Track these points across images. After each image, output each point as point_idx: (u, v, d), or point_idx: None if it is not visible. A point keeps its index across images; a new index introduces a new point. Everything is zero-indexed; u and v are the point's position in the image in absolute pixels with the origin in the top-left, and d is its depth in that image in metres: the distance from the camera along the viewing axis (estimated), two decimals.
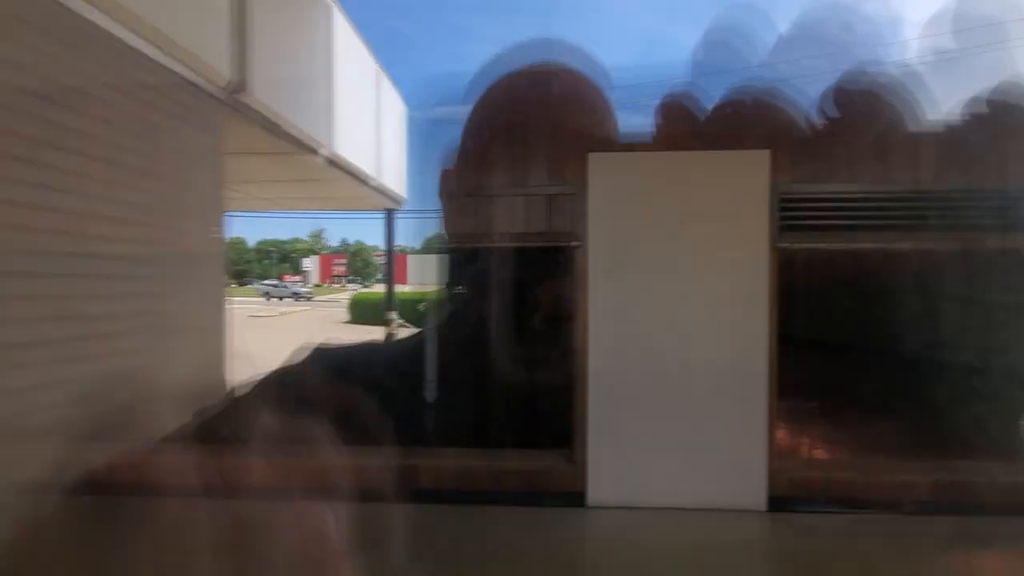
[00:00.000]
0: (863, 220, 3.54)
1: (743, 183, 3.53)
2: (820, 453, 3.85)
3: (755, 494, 3.51)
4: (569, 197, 3.71)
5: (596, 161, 3.75)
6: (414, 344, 2.83)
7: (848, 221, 3.51)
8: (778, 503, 3.45)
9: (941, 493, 3.45)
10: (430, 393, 4.40)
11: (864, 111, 3.43)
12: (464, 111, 3.75)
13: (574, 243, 3.64)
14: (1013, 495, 3.22)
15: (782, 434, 3.47)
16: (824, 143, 3.61)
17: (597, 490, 3.62)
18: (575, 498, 3.72)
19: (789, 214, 3.51)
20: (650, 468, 3.58)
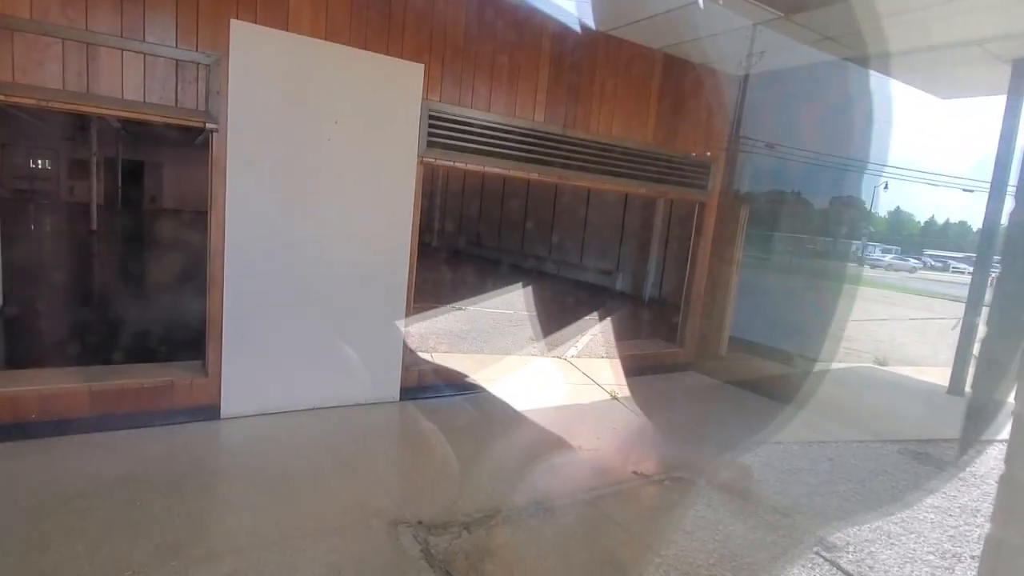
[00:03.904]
0: (494, 147, 4.03)
1: (398, 92, 3.56)
2: (442, 348, 4.43)
3: (391, 387, 3.85)
4: (204, 68, 3.11)
5: (241, 31, 3.22)
6: None
7: (483, 146, 3.95)
8: (409, 392, 3.87)
9: None
10: None
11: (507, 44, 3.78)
12: None
13: (210, 125, 3.11)
14: None
15: (414, 332, 3.84)
16: (471, 68, 3.90)
17: (232, 400, 3.40)
18: (208, 412, 3.42)
19: (436, 130, 3.74)
20: (290, 372, 3.53)
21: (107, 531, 2.39)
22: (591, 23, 4.45)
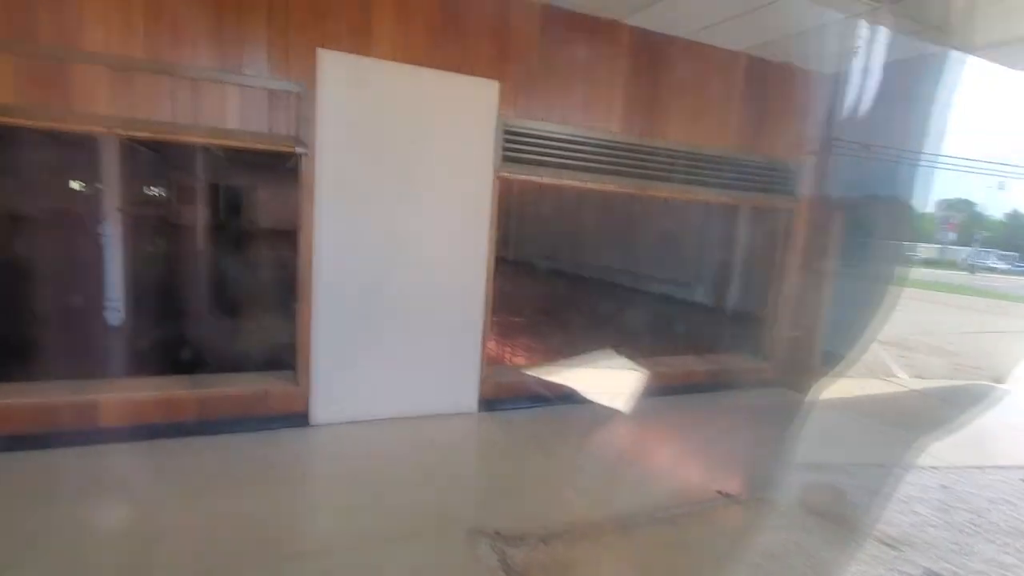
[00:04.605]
0: (570, 159, 4.03)
1: (474, 110, 3.64)
2: (519, 360, 4.44)
3: (469, 399, 3.91)
4: (294, 96, 3.35)
5: (327, 60, 3.43)
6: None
7: (559, 159, 3.96)
8: (487, 404, 3.91)
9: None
10: (114, 316, 3.75)
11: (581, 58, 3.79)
12: None
13: (300, 150, 3.33)
14: (664, 381, 4.19)
15: (492, 345, 3.88)
16: (546, 82, 3.93)
17: (320, 409, 3.58)
18: (298, 419, 3.62)
19: (511, 145, 3.79)
20: (373, 383, 3.67)
21: (213, 526, 2.57)
22: (667, 30, 4.36)
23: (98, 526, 2.51)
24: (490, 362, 4.44)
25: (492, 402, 4.27)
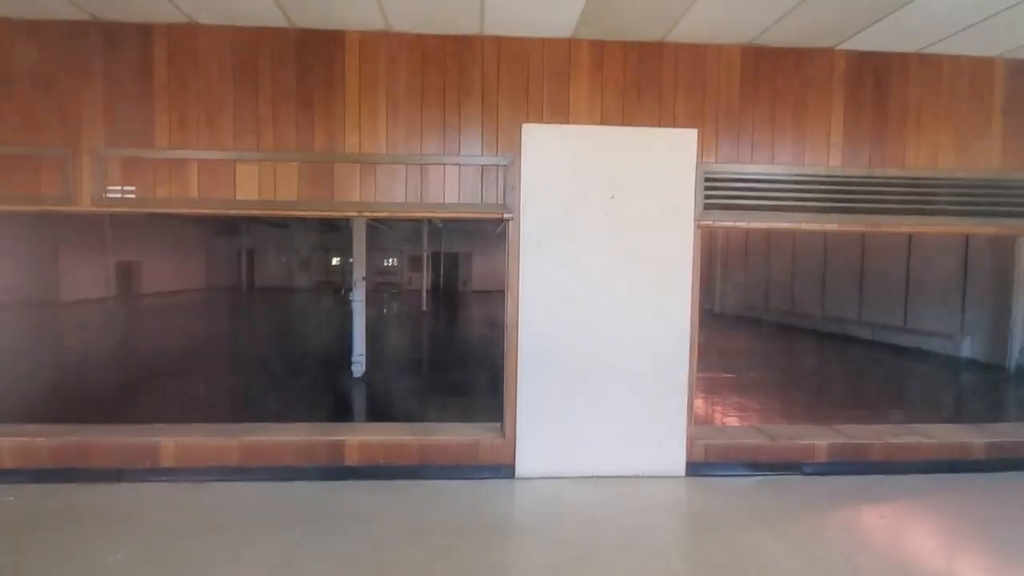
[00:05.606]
0: (780, 201, 3.68)
1: (671, 161, 3.57)
2: (732, 421, 4.04)
3: (675, 461, 3.65)
4: (502, 168, 3.66)
5: (530, 132, 3.70)
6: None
7: (767, 201, 3.65)
8: (695, 468, 3.61)
9: (837, 455, 3.71)
10: (358, 368, 4.40)
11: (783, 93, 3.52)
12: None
13: (507, 215, 3.60)
14: (901, 454, 3.55)
15: (700, 404, 3.62)
16: (749, 123, 3.70)
17: (525, 462, 3.65)
18: (504, 470, 3.75)
19: (713, 192, 3.61)
20: (576, 439, 3.65)
21: (429, 566, 2.75)
22: (893, 48, 3.84)
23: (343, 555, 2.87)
24: (698, 423, 4.12)
25: (701, 466, 3.96)
